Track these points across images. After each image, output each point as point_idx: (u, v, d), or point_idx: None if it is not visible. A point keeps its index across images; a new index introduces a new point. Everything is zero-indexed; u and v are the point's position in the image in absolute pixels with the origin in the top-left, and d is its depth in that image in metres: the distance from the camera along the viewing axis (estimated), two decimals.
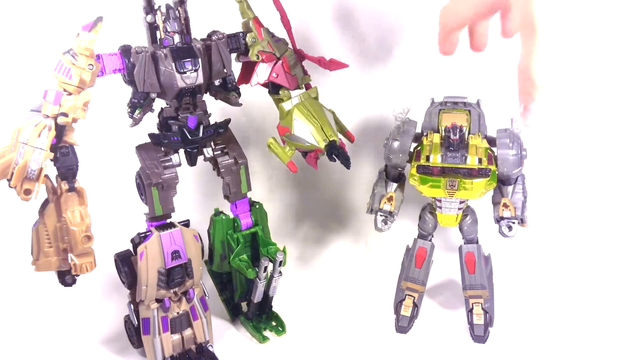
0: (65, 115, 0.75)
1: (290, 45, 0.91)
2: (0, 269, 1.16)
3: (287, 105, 0.89)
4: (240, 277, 0.98)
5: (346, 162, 0.84)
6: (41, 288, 1.05)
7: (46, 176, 0.79)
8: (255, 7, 0.88)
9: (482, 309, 0.94)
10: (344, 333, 0.99)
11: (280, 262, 0.92)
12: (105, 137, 1.19)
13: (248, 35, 0.87)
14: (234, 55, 0.88)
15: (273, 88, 0.89)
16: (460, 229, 0.95)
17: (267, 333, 0.99)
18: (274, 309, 1.02)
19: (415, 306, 0.98)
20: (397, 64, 1.21)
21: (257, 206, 0.95)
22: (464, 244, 0.96)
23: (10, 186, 0.75)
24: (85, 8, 1.09)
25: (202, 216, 1.02)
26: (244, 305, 1.03)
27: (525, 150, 0.88)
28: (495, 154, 0.89)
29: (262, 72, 0.87)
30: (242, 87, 0.91)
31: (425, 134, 0.92)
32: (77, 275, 0.83)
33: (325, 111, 0.89)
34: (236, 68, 0.90)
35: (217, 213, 0.94)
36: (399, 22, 1.17)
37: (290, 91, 0.89)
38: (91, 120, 0.80)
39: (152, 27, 0.82)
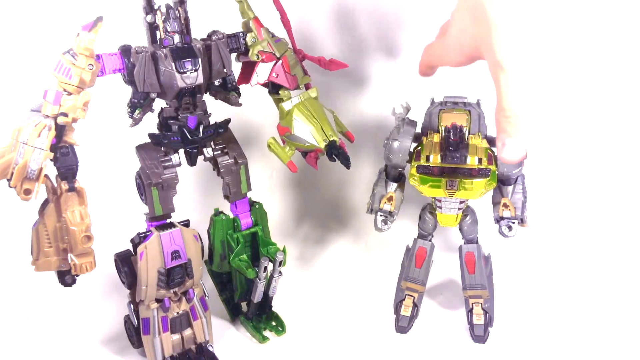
0: (65, 115, 0.75)
1: (290, 45, 0.90)
2: (0, 269, 1.16)
3: (287, 105, 0.88)
4: (240, 277, 0.98)
5: (346, 162, 0.84)
6: (41, 288, 1.05)
7: (46, 176, 0.79)
8: (255, 7, 0.88)
9: (482, 309, 0.94)
10: (344, 333, 0.99)
11: (280, 262, 0.92)
12: (105, 137, 1.19)
13: (248, 35, 0.87)
14: (234, 55, 0.88)
15: (273, 88, 0.89)
16: (460, 229, 0.95)
17: (267, 333, 0.99)
18: (274, 309, 1.02)
19: (415, 306, 0.98)
20: (397, 64, 1.21)
21: (257, 206, 0.95)
22: (464, 244, 0.96)
23: (10, 186, 0.75)
24: (85, 8, 1.09)
25: (202, 216, 1.02)
26: (244, 305, 1.03)
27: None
28: (495, 154, 0.89)
29: (262, 72, 0.87)
30: (242, 87, 0.91)
31: (425, 134, 0.92)
32: (77, 275, 0.83)
33: (325, 111, 0.89)
34: (236, 68, 0.90)
35: (217, 213, 0.94)
36: (399, 22, 1.17)
37: (290, 91, 0.89)
38: (91, 120, 0.80)
39: (152, 27, 0.82)
